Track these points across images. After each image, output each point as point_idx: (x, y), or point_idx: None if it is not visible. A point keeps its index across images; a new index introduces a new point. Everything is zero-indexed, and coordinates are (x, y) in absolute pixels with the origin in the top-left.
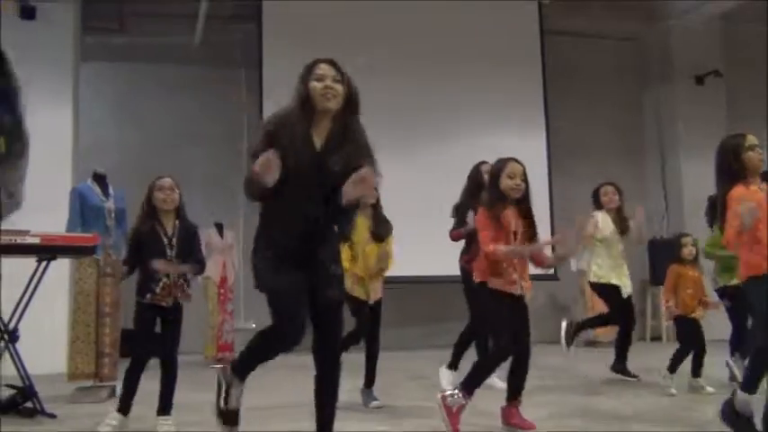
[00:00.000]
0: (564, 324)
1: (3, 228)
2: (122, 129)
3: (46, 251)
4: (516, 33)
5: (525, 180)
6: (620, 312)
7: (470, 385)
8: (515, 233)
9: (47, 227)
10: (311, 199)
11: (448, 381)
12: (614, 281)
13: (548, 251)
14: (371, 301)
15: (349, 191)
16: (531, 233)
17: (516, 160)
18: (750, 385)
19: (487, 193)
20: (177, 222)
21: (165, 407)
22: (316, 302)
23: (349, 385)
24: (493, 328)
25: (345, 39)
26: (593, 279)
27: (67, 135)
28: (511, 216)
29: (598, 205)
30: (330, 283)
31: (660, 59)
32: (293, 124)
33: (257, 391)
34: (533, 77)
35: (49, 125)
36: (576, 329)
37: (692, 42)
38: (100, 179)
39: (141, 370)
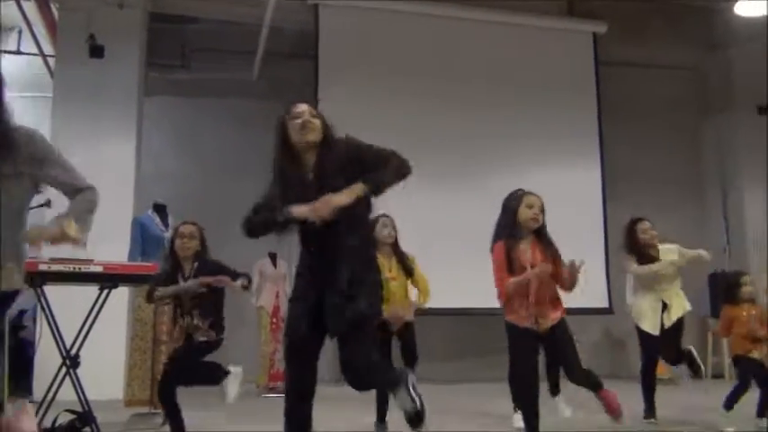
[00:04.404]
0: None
1: (68, 257)
2: (182, 161)
3: (108, 280)
4: (571, 63)
5: (543, 211)
6: (648, 354)
7: None
8: (532, 265)
9: (109, 256)
10: (324, 226)
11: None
12: (647, 324)
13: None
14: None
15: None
16: (552, 263)
17: (533, 192)
18: None
19: (503, 226)
20: (195, 265)
21: None
22: (337, 324)
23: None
24: (511, 363)
25: (400, 73)
26: (632, 315)
27: (130, 167)
28: (527, 250)
29: (636, 242)
30: (351, 301)
31: (721, 88)
32: (283, 168)
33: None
34: (588, 107)
35: (114, 157)
36: (649, 404)
37: (755, 70)
38: (160, 210)
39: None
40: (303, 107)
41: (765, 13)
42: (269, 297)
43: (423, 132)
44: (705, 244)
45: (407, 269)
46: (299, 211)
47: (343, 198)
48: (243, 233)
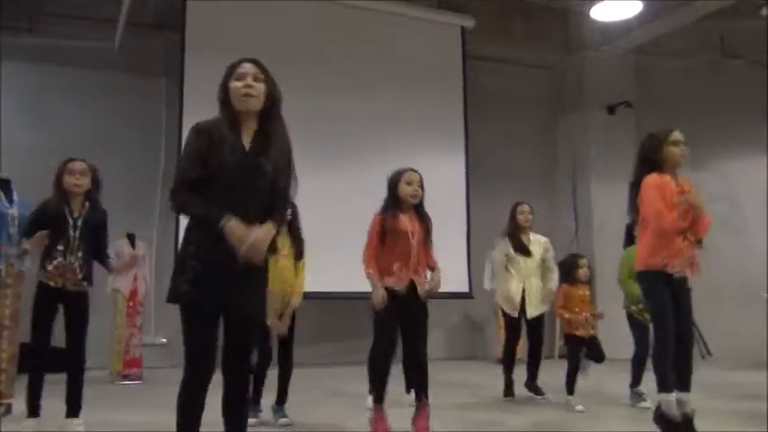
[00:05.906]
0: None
1: None
2: (33, 133)
3: None
4: (439, 57)
5: (422, 187)
6: (511, 334)
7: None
8: (412, 233)
9: None
10: (244, 202)
11: None
12: (508, 306)
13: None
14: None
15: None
16: (425, 237)
17: (413, 169)
18: (664, 385)
19: (386, 201)
20: (87, 204)
21: (74, 408)
22: (235, 315)
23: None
24: (375, 330)
25: (267, 54)
26: (497, 298)
27: None
28: (407, 220)
29: (514, 223)
30: (254, 296)
31: (574, 88)
32: (220, 126)
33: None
34: (455, 100)
35: None
36: (508, 383)
37: (605, 73)
38: (3, 184)
39: (42, 378)
40: (247, 67)
41: (620, 18)
42: (125, 280)
43: (289, 117)
44: (557, 231)
45: (299, 252)
46: (236, 239)
47: (267, 238)
48: (171, 205)
